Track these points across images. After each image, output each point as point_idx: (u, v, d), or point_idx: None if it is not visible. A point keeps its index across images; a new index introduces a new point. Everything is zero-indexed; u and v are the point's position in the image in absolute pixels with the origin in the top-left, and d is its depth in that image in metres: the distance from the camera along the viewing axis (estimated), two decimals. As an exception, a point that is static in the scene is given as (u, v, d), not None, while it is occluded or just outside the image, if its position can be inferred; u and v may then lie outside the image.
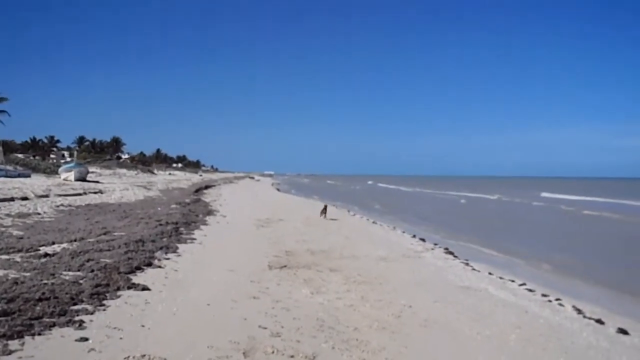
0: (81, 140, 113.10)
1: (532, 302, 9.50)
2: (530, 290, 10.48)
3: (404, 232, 20.05)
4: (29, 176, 38.73)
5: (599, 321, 8.47)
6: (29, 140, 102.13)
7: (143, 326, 5.95)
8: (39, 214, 16.32)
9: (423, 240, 17.48)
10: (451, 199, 54.01)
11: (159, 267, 9.27)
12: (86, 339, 5.28)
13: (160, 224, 14.78)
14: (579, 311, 9.06)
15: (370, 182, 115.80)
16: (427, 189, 78.55)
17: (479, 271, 12.28)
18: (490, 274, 12.05)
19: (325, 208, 23.79)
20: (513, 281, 11.33)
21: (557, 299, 9.82)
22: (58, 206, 19.10)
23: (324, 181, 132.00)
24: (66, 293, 6.72)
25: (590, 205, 41.46)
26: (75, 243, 10.82)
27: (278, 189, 65.82)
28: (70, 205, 19.77)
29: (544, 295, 10.09)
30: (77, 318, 5.89)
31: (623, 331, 7.99)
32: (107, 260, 9.03)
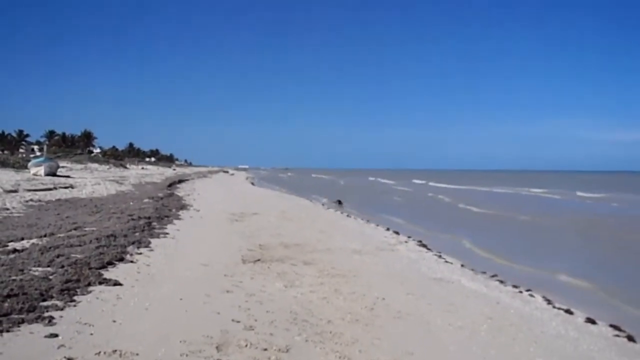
0: (51, 134, 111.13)
1: (503, 293, 9.65)
2: (502, 282, 10.66)
3: (377, 225, 20.17)
4: (-3, 171, 37.90)
5: (568, 311, 8.65)
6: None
7: (114, 321, 5.88)
8: (7, 209, 15.99)
9: (397, 233, 17.61)
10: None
11: (131, 262, 9.16)
12: (56, 335, 5.19)
13: (133, 219, 14.60)
14: (549, 302, 9.24)
15: (314, 175, 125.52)
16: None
17: (451, 263, 12.44)
18: (462, 266, 12.21)
19: (339, 201, 31.16)
20: (484, 273, 11.50)
21: (527, 290, 10.00)
22: (27, 201, 18.73)
23: (283, 174, 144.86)
24: (35, 289, 6.60)
25: (451, 191, 51.86)
26: (45, 238, 10.62)
27: (252, 183, 65.52)
28: (40, 201, 19.40)
29: (514, 287, 10.26)
30: (46, 314, 5.79)
31: (591, 321, 8.17)
32: (78, 256, 8.90)
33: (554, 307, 8.91)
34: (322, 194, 40.90)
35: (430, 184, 73.33)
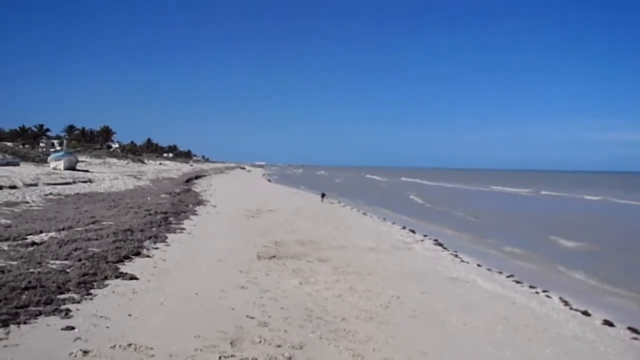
0: (71, 129, 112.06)
1: (519, 293, 9.56)
2: (518, 282, 10.55)
3: (394, 223, 20.09)
4: (17, 164, 38.39)
5: (585, 313, 8.54)
6: (18, 129, 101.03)
7: (130, 315, 5.92)
8: (27, 202, 16.20)
9: (413, 231, 17.52)
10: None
11: (148, 256, 9.23)
12: (72, 328, 5.24)
13: (150, 214, 14.71)
14: (566, 303, 9.13)
15: (318, 172, 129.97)
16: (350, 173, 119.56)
17: (467, 262, 12.34)
18: (478, 265, 12.11)
19: (324, 195, 30.87)
20: (501, 273, 11.39)
21: (544, 291, 9.89)
22: (47, 195, 18.97)
23: (290, 171, 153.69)
24: (53, 282, 6.67)
25: (425, 187, 59.63)
26: (63, 232, 10.75)
27: (269, 180, 65.68)
28: (59, 194, 19.63)
29: (531, 287, 10.15)
30: (63, 307, 5.84)
31: (609, 323, 8.06)
32: (95, 250, 8.98)
33: (571, 308, 8.80)
34: (315, 188, 44.40)
35: (417, 181, 77.80)
